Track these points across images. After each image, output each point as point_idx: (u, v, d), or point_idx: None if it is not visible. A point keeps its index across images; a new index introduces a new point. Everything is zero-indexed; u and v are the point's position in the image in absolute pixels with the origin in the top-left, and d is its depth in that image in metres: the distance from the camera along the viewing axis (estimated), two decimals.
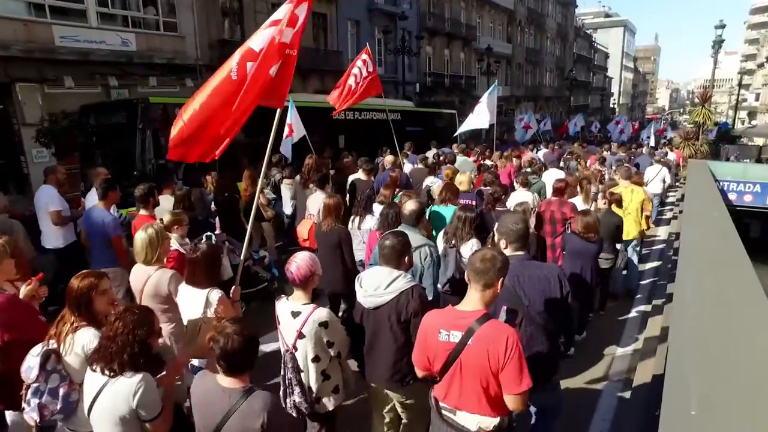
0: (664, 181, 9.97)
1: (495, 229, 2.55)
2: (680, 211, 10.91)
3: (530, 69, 40.19)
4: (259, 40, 2.82)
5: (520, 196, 6.18)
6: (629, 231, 5.54)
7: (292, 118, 8.33)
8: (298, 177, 7.02)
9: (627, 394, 3.68)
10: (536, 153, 14.21)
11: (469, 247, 3.57)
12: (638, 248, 5.82)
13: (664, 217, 11.07)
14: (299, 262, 2.52)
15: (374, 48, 21.31)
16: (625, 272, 5.20)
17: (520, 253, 2.43)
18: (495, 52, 30.84)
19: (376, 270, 2.53)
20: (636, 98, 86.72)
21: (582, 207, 5.54)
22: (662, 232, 9.58)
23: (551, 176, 7.64)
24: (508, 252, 2.41)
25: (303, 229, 5.55)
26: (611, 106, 64.98)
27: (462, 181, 5.72)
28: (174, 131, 2.81)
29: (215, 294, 2.76)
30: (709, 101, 17.27)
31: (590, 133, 29.19)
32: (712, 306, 3.14)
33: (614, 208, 5.57)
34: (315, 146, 8.39)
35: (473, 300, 1.85)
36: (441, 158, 10.21)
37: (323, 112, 8.10)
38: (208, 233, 3.78)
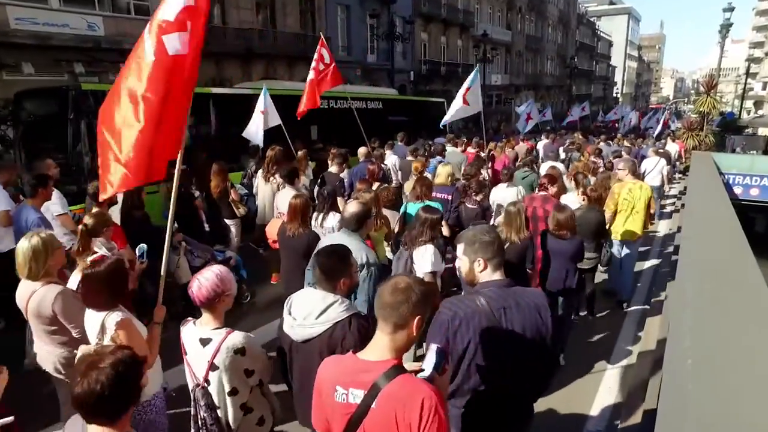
0: (662, 174, 9.49)
1: (458, 242, 2.01)
2: (682, 205, 10.46)
3: (531, 57, 39.43)
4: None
5: (503, 192, 5.72)
6: (634, 230, 5.07)
7: (267, 105, 7.81)
8: (260, 171, 6.52)
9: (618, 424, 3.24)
10: (536, 144, 13.83)
11: (421, 254, 3.11)
12: (635, 249, 5.33)
13: (664, 211, 10.59)
14: (202, 281, 2.08)
15: (365, 34, 20.70)
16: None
17: (498, 277, 1.85)
18: (494, 39, 30.14)
19: (307, 293, 2.07)
20: (640, 87, 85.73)
21: (576, 203, 5.07)
22: (662, 228, 9.10)
23: (546, 168, 7.19)
24: (487, 275, 1.86)
25: (272, 229, 5.04)
26: (614, 95, 64.14)
27: (440, 174, 5.24)
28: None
29: (113, 318, 2.28)
30: (714, 89, 16.62)
31: (595, 123, 28.62)
32: (713, 307, 2.91)
33: (616, 204, 5.13)
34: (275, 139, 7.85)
35: (380, 346, 1.37)
36: (432, 149, 9.68)
37: (293, 100, 7.61)
38: (142, 245, 3.24)
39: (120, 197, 4.66)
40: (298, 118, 7.33)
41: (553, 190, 4.57)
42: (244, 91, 9.24)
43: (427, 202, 4.37)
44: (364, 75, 19.44)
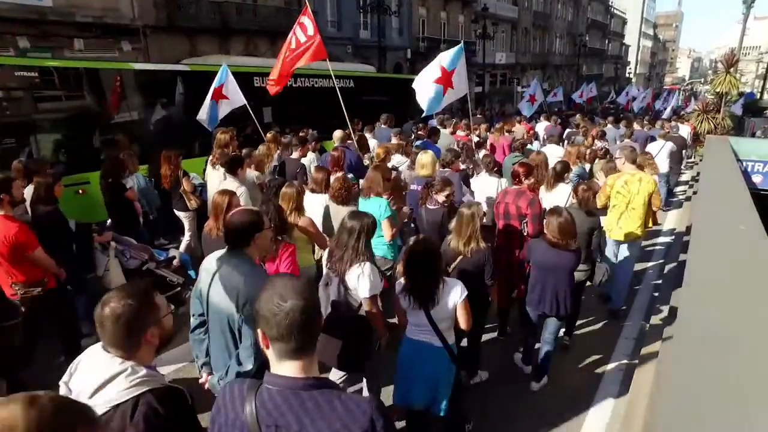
0: (669, 160, 8.69)
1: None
2: (694, 193, 9.67)
3: (538, 35, 37.93)
4: None
5: (484, 182, 4.98)
6: (630, 230, 4.34)
7: (228, 83, 7.03)
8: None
9: None
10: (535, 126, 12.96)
11: (356, 276, 2.44)
12: (635, 252, 4.58)
13: (674, 199, 9.78)
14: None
15: (357, 9, 19.59)
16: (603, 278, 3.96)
17: (286, 372, 1.13)
18: (498, 15, 28.81)
19: (95, 353, 1.40)
20: (654, 68, 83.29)
21: (561, 197, 4.32)
22: (670, 221, 8.32)
23: (550, 155, 6.43)
24: (273, 362, 1.16)
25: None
26: (627, 75, 62.24)
27: (425, 163, 4.52)
28: None
29: None
30: (735, 66, 15.46)
31: (604, 104, 27.45)
32: (726, 312, 2.61)
33: (608, 197, 4.37)
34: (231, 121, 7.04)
35: None
36: (419, 132, 8.89)
37: (247, 78, 6.94)
38: None
39: (29, 192, 4.01)
40: (272, 95, 6.59)
41: (528, 182, 3.84)
42: (180, 67, 8.37)
43: (375, 199, 3.67)
44: (355, 52, 18.45)
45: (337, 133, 6.36)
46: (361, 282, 2.43)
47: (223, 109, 7.15)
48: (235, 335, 1.95)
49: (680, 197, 10.26)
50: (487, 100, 26.07)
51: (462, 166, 5.34)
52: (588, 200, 3.80)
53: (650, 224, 4.52)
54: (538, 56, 37.46)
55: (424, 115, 7.16)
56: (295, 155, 5.77)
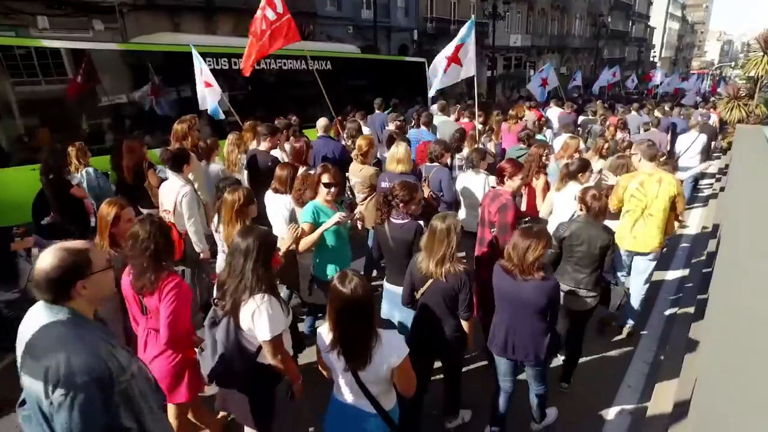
0: (703, 153, 7.97)
1: None
2: (721, 189, 8.93)
3: (557, 16, 36.47)
4: None
5: (468, 180, 4.39)
6: (648, 241, 3.73)
7: (203, 69, 6.52)
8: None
9: None
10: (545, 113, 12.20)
11: (250, 313, 1.91)
12: (651, 264, 3.96)
13: (699, 194, 9.02)
14: None
15: None
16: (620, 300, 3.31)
17: None
18: None
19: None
20: (681, 51, 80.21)
21: (567, 209, 3.70)
22: (693, 221, 7.62)
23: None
24: None
25: None
26: (651, 59, 59.95)
27: (400, 157, 3.95)
28: None
29: None
30: None
31: (626, 90, 26.19)
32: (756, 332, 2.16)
33: (620, 201, 3.74)
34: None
35: None
36: (420, 119, 8.24)
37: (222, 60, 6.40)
38: None
39: None
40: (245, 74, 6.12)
41: (513, 183, 3.25)
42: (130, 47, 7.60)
43: (318, 205, 3.12)
44: (356, 34, 17.70)
45: (321, 122, 5.77)
46: (257, 320, 1.90)
47: (211, 99, 6.68)
48: None
49: (705, 193, 9.50)
50: (498, 85, 25.07)
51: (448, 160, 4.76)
52: (602, 211, 3.15)
53: (671, 230, 3.88)
54: (556, 39, 36.05)
55: (430, 94, 6.70)
56: (264, 146, 5.22)
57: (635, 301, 3.95)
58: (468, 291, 2.37)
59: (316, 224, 3.06)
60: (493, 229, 3.27)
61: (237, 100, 7.58)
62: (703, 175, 9.69)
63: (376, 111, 9.08)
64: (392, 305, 2.94)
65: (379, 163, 6.16)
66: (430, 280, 2.39)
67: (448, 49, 6.29)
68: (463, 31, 6.17)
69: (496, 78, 25.93)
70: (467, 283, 2.36)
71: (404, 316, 2.80)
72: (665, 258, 5.54)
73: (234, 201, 2.80)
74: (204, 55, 6.69)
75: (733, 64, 76.47)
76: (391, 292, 2.93)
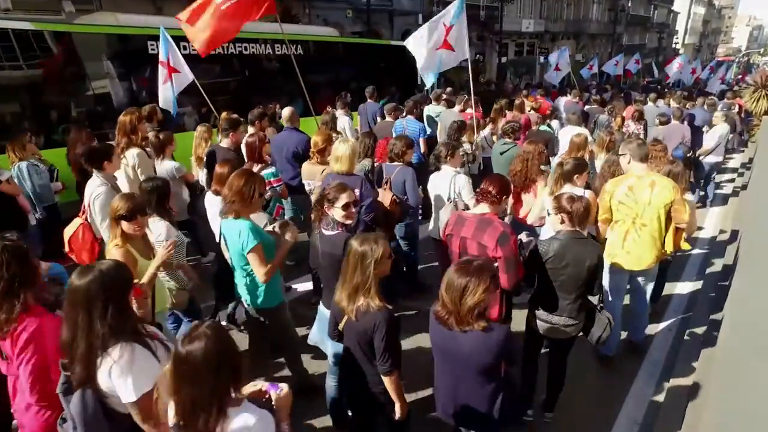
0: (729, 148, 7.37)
1: None
2: (743, 186, 8.29)
3: (572, 0, 35.20)
4: None
5: (435, 181, 3.90)
6: (643, 255, 3.21)
7: (170, 54, 6.06)
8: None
9: None
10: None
11: (106, 370, 1.53)
12: (650, 282, 3.44)
13: (717, 191, 8.37)
14: None
15: None
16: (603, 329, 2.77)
17: None
18: None
19: None
20: (706, 37, 77.46)
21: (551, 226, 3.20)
22: (710, 222, 7.00)
23: (568, 137, 5.34)
24: None
25: (68, 232, 3.50)
26: (673, 46, 57.95)
27: (340, 155, 3.46)
28: None
29: None
30: None
31: (646, 78, 25.15)
32: None
33: (607, 210, 3.22)
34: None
35: None
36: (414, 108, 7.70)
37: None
38: None
39: None
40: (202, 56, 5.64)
41: (501, 206, 2.75)
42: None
43: (237, 222, 2.66)
44: (356, 18, 17.06)
45: (285, 112, 5.29)
46: (117, 379, 1.50)
47: (177, 86, 6.24)
48: None
49: (724, 189, 8.83)
50: (509, 72, 24.24)
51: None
52: (581, 216, 2.66)
53: (672, 248, 3.33)
54: (572, 24, 34.84)
55: (427, 87, 6.18)
56: (225, 143, 4.77)
57: (640, 316, 3.47)
58: (384, 336, 1.86)
59: (266, 245, 2.63)
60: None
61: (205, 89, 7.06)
62: (720, 169, 8.94)
63: (368, 100, 8.58)
64: (323, 332, 2.51)
65: None
66: (345, 317, 1.94)
67: (435, 37, 5.74)
68: (450, 12, 5.64)
69: (505, 64, 25.07)
70: (383, 326, 1.85)
71: (338, 347, 2.36)
72: (676, 266, 4.98)
73: (114, 210, 2.38)
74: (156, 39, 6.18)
75: (762, 50, 73.70)
76: (324, 316, 2.50)
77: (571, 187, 3.41)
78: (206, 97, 6.29)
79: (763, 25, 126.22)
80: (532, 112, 8.81)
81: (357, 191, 3.32)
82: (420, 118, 7.58)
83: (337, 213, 2.45)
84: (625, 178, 3.25)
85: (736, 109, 10.70)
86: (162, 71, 6.20)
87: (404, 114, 6.96)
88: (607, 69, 17.44)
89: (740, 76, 17.07)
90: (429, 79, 6.00)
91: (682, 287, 4.75)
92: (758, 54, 66.94)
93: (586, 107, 10.50)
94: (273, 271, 2.65)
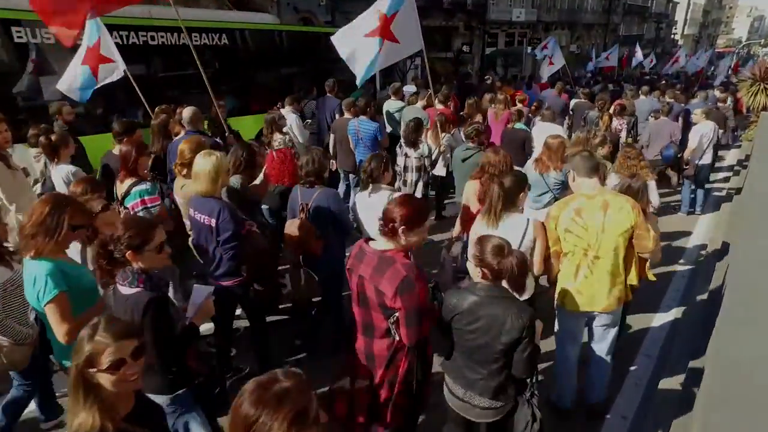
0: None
1: None
2: (736, 191, 7.68)
3: None
4: None
5: (363, 202, 3.20)
6: (597, 296, 2.59)
7: (103, 42, 5.28)
8: None
9: None
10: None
11: None
12: (612, 325, 2.78)
13: (710, 194, 7.76)
14: None
15: None
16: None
17: None
18: None
19: None
20: (706, 28, 77.14)
21: (514, 236, 2.54)
22: (699, 231, 6.39)
23: (543, 136, 4.86)
24: None
25: None
26: (672, 37, 57.49)
27: (199, 171, 2.68)
28: None
29: None
30: None
31: (642, 69, 24.51)
32: None
33: (556, 242, 2.57)
34: None
35: None
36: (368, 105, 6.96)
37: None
38: None
39: None
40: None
41: (411, 239, 2.06)
42: None
43: (38, 262, 1.99)
44: (332, 6, 16.25)
45: (186, 113, 4.52)
46: None
47: (103, 76, 5.45)
48: None
49: (716, 192, 8.23)
50: (497, 63, 23.54)
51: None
52: (511, 272, 1.98)
53: (636, 282, 2.68)
54: (566, 13, 34.11)
55: (358, 83, 5.39)
56: (118, 150, 4.08)
57: (599, 371, 2.84)
58: None
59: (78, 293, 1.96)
60: (392, 318, 2.06)
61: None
62: (713, 169, 8.29)
63: (327, 94, 7.86)
64: None
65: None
66: None
67: (368, 21, 5.00)
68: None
69: (490, 55, 24.29)
70: None
71: None
72: (654, 291, 4.32)
73: None
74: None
75: (762, 41, 73.48)
76: None
77: (514, 215, 2.73)
78: (139, 92, 5.48)
79: (764, 16, 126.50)
80: (519, 106, 8.18)
81: (208, 220, 2.65)
82: (376, 117, 6.90)
83: (149, 258, 1.75)
84: (572, 198, 2.60)
85: (729, 104, 10.09)
86: (81, 55, 5.39)
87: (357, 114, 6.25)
88: (599, 63, 16.77)
89: (734, 67, 16.37)
90: (360, 75, 5.14)
91: (660, 319, 4.09)
92: (759, 45, 66.65)
93: (573, 101, 9.83)
94: (79, 328, 1.96)
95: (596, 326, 2.72)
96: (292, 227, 3.11)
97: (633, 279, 2.66)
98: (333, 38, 5.25)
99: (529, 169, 4.55)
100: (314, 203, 3.12)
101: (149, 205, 3.15)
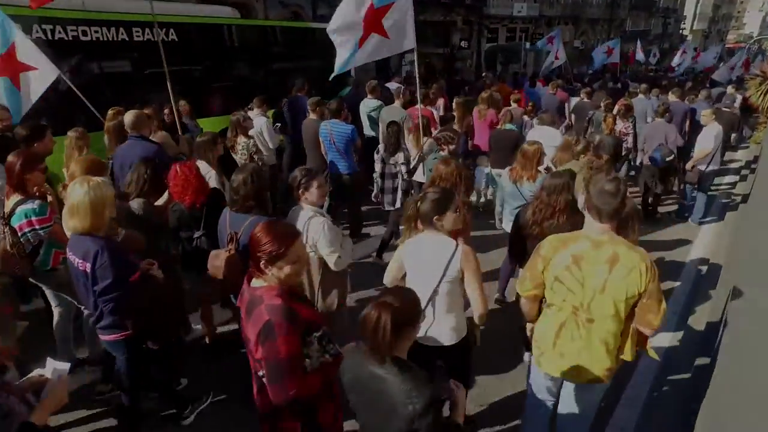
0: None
1: None
2: (743, 199, 7.23)
3: None
4: None
5: (304, 223, 2.75)
6: (583, 369, 2.12)
7: (21, 44, 4.71)
8: None
9: None
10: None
11: None
12: (593, 401, 2.31)
13: (715, 202, 7.30)
14: None
15: None
16: None
17: None
18: None
19: None
20: (716, 23, 76.15)
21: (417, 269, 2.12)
22: (701, 242, 5.96)
23: (539, 139, 4.49)
24: None
25: None
26: (680, 32, 56.63)
27: (77, 206, 2.18)
28: None
29: None
30: None
31: (647, 65, 23.90)
32: None
33: (540, 286, 2.40)
34: None
35: None
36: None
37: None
38: None
39: None
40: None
41: (281, 273, 1.75)
42: None
43: None
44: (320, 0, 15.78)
45: (128, 117, 4.06)
46: None
47: (36, 89, 4.83)
48: None
49: (721, 198, 7.76)
50: (497, 60, 22.98)
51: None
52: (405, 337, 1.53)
53: (631, 358, 2.17)
54: (570, 7, 33.48)
55: (332, 76, 5.00)
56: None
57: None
58: None
59: None
60: (260, 373, 1.77)
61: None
62: (719, 174, 7.79)
63: (297, 94, 7.42)
64: None
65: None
66: None
67: (349, 14, 4.57)
68: None
69: (487, 51, 23.68)
70: None
71: None
72: None
73: None
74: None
75: None
76: None
77: (434, 233, 2.28)
78: (82, 96, 4.98)
79: None
80: (515, 106, 7.72)
81: (82, 264, 2.23)
82: (353, 119, 6.46)
83: None
84: (574, 238, 2.08)
85: (738, 102, 9.58)
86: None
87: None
88: (596, 59, 16.20)
89: (742, 66, 15.77)
90: (337, 67, 4.74)
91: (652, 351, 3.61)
92: None
93: (574, 100, 9.33)
94: None
95: (575, 399, 2.24)
96: (216, 261, 2.67)
97: (627, 355, 2.13)
98: (330, 30, 4.81)
99: (505, 178, 4.13)
100: (246, 232, 2.63)
101: (37, 227, 2.71)
